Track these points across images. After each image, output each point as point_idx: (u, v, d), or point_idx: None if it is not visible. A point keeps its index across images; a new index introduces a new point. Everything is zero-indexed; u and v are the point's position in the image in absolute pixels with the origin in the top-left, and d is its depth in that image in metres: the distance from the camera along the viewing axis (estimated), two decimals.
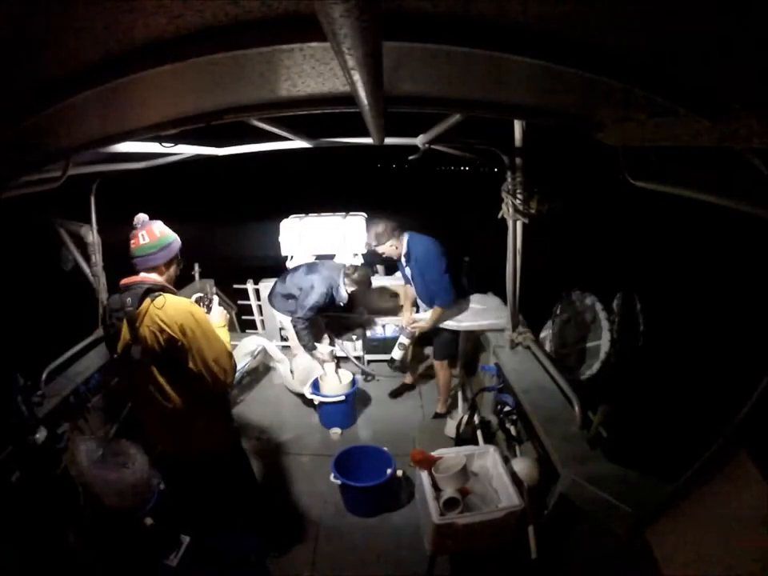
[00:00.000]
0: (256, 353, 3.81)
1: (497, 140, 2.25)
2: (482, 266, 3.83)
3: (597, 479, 1.66)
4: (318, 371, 3.49)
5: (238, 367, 3.60)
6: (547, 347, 2.84)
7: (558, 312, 2.78)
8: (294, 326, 3.38)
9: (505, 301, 2.86)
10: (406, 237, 3.09)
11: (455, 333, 3.25)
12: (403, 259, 3.16)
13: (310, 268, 3.50)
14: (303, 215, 4.42)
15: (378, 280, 4.19)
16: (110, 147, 1.66)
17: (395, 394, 3.86)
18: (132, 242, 1.69)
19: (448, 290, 2.99)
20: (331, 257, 4.19)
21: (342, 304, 3.49)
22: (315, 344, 3.48)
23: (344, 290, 3.38)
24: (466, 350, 3.64)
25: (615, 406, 1.81)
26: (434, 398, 3.58)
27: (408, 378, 3.92)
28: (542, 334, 2.92)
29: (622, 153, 1.46)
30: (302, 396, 3.56)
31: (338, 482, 2.49)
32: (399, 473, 2.61)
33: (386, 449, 2.73)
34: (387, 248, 3.07)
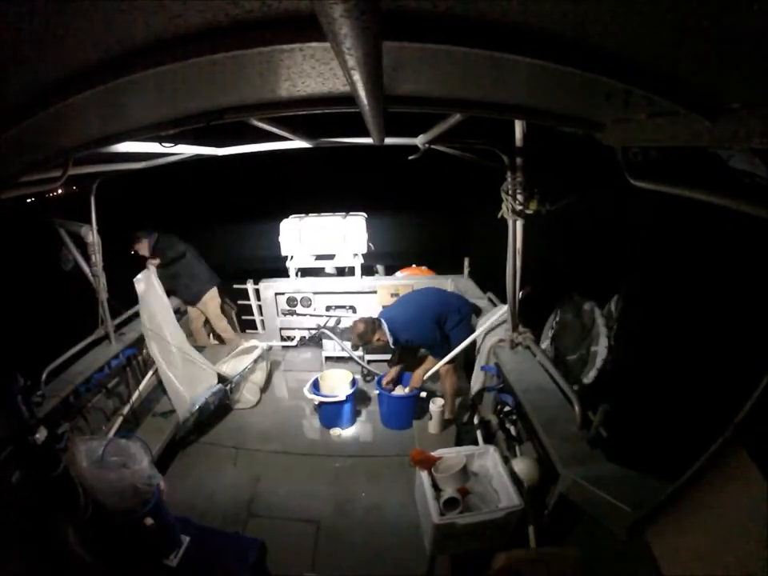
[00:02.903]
0: (256, 355, 3.81)
1: (497, 140, 2.25)
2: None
3: (597, 479, 1.66)
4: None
5: (239, 369, 3.62)
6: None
7: (556, 319, 2.69)
8: None
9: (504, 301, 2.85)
10: (385, 325, 3.10)
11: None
12: (391, 342, 3.17)
13: None
14: (303, 215, 4.43)
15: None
16: (110, 147, 1.66)
17: None
18: None
19: (441, 344, 3.10)
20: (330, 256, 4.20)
21: None
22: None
23: None
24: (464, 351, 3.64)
25: (614, 406, 1.80)
26: (434, 397, 3.57)
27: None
28: (543, 345, 2.82)
29: (621, 153, 1.46)
30: (303, 397, 3.57)
31: (377, 391, 3.37)
32: (423, 394, 3.26)
33: None
34: (375, 342, 3.13)
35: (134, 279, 3.29)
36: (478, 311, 3.41)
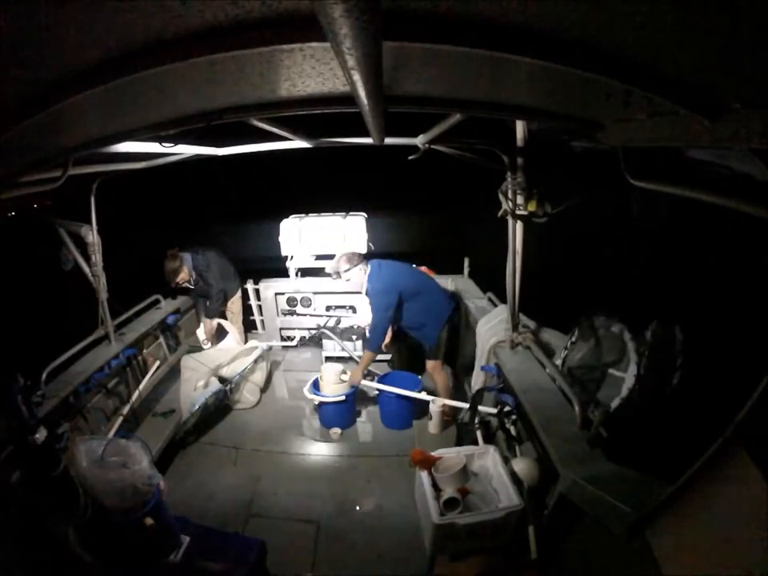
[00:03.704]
0: (256, 356, 3.81)
1: (497, 140, 2.24)
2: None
3: (597, 479, 1.66)
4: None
5: (239, 369, 3.62)
6: None
7: (573, 340, 2.47)
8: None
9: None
10: (368, 268, 3.16)
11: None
12: (363, 289, 3.20)
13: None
14: (303, 215, 4.43)
15: None
16: (110, 147, 1.66)
17: None
18: None
19: (379, 334, 3.15)
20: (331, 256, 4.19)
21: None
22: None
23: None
24: (464, 350, 3.64)
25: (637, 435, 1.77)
26: (434, 397, 3.56)
27: None
28: (557, 362, 2.58)
29: (622, 153, 1.46)
30: (303, 397, 3.57)
31: (376, 385, 3.31)
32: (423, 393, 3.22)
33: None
34: (356, 271, 3.13)
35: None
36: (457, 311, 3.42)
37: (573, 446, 1.88)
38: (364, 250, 4.33)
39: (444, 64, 0.99)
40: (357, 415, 3.56)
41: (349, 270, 3.13)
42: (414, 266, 4.73)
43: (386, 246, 5.27)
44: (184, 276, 3.92)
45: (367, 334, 4.19)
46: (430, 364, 3.39)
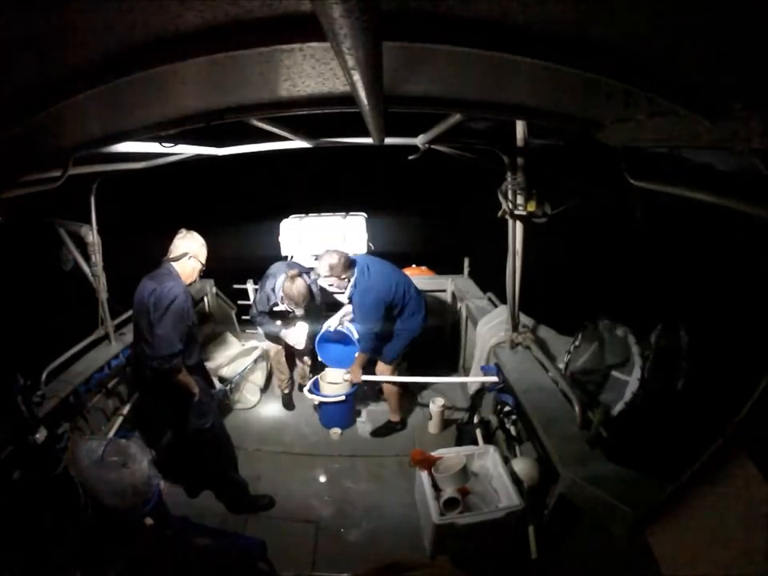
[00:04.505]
0: (256, 356, 3.81)
1: (497, 140, 2.24)
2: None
3: (597, 479, 1.66)
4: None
5: (238, 370, 3.62)
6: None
7: (576, 344, 2.45)
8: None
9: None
10: (355, 275, 3.00)
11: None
12: (347, 293, 3.12)
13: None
14: (303, 215, 4.43)
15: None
16: (110, 147, 1.66)
17: None
18: None
19: (367, 341, 3.03)
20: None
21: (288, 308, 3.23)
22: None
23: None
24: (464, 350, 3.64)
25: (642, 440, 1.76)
26: (434, 397, 3.56)
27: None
28: (560, 365, 2.54)
29: (622, 153, 1.46)
30: (303, 397, 3.57)
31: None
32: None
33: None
34: (337, 281, 3.00)
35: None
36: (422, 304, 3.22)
37: (573, 446, 1.88)
38: (364, 250, 4.33)
39: (444, 64, 0.99)
40: (357, 415, 3.56)
41: (327, 278, 2.97)
42: (414, 265, 4.75)
43: (386, 246, 5.27)
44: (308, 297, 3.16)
45: None
46: (381, 367, 3.26)
